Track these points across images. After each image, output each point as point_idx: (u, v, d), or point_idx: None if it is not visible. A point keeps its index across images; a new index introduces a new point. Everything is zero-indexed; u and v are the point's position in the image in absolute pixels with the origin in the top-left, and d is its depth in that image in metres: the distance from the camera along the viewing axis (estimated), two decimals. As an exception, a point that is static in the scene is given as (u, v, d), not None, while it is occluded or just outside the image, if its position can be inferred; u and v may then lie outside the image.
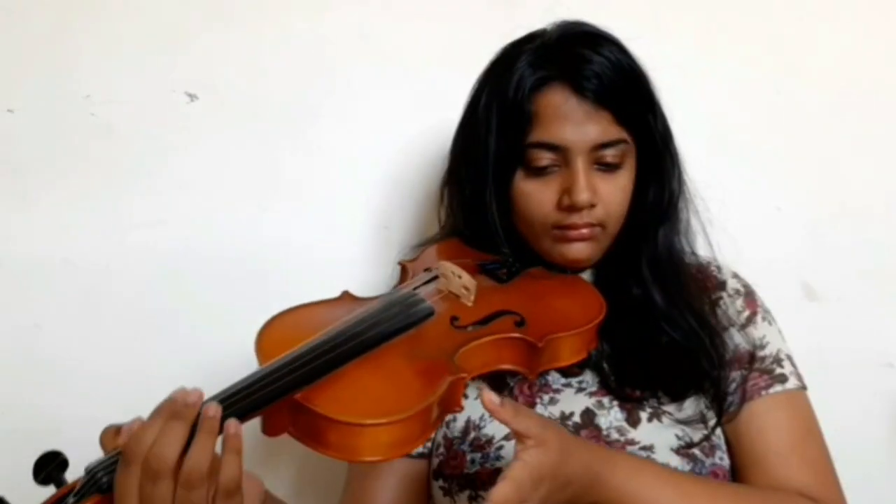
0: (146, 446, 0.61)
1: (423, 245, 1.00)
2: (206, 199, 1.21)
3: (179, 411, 0.62)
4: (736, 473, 0.88)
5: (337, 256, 1.23)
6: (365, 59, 1.22)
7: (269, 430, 0.68)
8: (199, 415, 0.62)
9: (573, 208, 0.86)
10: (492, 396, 0.68)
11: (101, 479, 0.62)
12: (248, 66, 1.21)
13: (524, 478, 0.67)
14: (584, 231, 0.88)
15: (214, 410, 0.62)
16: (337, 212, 1.23)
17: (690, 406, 0.86)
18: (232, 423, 0.62)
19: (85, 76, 1.19)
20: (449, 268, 0.84)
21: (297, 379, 0.67)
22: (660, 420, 0.85)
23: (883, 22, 1.24)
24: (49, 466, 0.65)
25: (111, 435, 0.65)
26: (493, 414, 0.68)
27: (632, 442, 0.83)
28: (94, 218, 1.19)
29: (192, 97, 1.20)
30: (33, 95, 1.18)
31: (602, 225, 0.89)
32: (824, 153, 1.24)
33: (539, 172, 0.87)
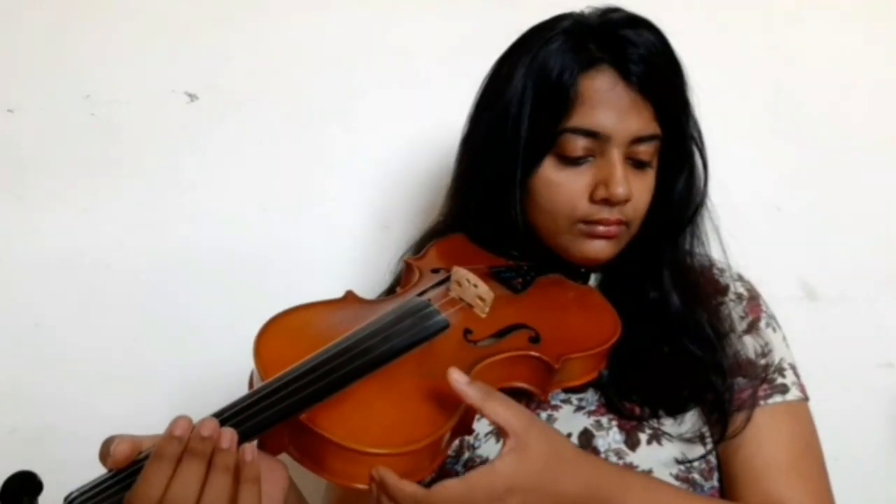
0: (157, 495, 0.54)
1: (424, 240, 0.96)
2: (206, 199, 1.21)
3: (195, 448, 0.55)
4: (725, 487, 0.84)
5: (337, 256, 1.23)
6: (365, 59, 1.22)
7: (267, 448, 0.65)
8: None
9: (608, 202, 0.82)
10: (457, 375, 0.63)
11: None
12: (248, 66, 1.21)
13: (482, 485, 0.61)
14: (613, 228, 0.83)
15: (229, 441, 0.56)
16: (337, 212, 1.23)
17: (690, 421, 0.82)
18: (247, 449, 0.57)
19: (85, 76, 1.19)
20: (463, 275, 0.78)
21: (303, 399, 0.62)
22: (659, 443, 0.80)
23: (883, 22, 1.24)
24: (17, 491, 0.57)
25: (123, 448, 0.57)
26: (459, 396, 0.63)
27: (629, 466, 0.79)
28: (94, 218, 1.19)
29: (192, 97, 1.20)
30: (33, 95, 1.18)
31: (628, 224, 0.85)
32: (824, 153, 1.24)
33: (572, 161, 0.82)
